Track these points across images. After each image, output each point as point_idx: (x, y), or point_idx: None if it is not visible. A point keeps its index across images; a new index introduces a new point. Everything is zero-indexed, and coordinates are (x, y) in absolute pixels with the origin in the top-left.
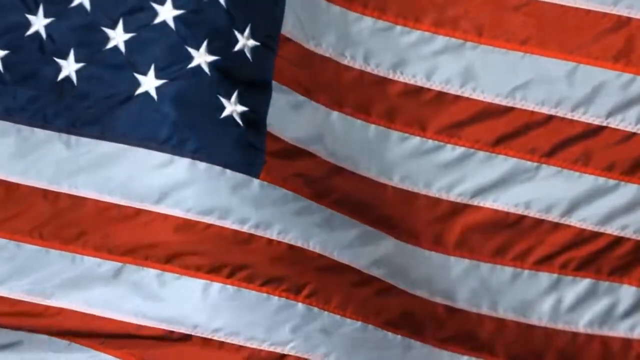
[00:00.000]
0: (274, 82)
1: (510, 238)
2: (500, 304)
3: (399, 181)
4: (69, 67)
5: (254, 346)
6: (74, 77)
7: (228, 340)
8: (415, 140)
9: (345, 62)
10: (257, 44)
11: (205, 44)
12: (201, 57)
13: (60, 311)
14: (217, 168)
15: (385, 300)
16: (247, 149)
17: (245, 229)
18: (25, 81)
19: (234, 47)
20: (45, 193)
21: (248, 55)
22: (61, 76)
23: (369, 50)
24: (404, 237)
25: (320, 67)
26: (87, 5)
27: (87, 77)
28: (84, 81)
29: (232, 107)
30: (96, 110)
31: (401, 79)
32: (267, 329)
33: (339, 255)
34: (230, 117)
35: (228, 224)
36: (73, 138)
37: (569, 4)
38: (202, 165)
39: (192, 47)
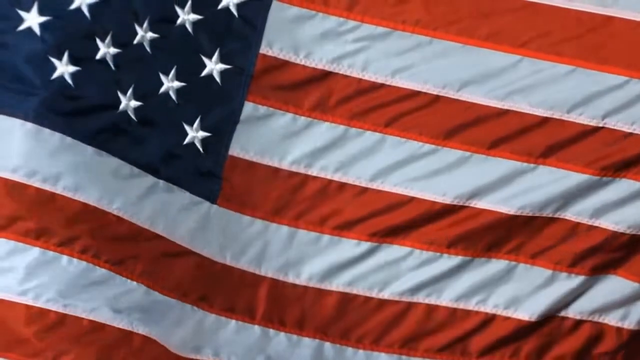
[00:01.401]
0: (247, 103)
1: (505, 234)
2: (491, 299)
3: (393, 185)
4: (64, 68)
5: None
6: (69, 79)
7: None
8: (413, 145)
9: (342, 71)
10: (228, 67)
11: (174, 70)
12: (169, 83)
13: None
14: (182, 191)
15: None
16: (206, 176)
17: (205, 253)
18: (15, 76)
19: (201, 72)
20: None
21: (217, 79)
22: (55, 75)
23: (368, 57)
24: (393, 240)
25: (310, 80)
26: (86, 12)
27: (81, 82)
28: (79, 86)
29: (194, 134)
30: (86, 118)
31: (399, 84)
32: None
33: (294, 277)
34: (191, 144)
35: (194, 247)
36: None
37: (563, 5)
38: (174, 188)
39: (162, 72)
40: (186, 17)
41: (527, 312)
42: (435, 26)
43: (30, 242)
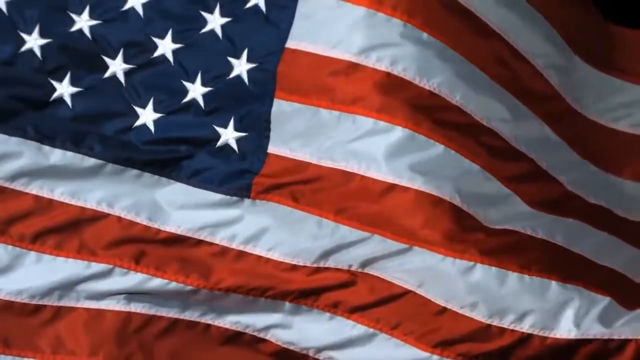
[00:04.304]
0: (275, 100)
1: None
2: (527, 319)
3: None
4: (64, 89)
5: None
6: (68, 100)
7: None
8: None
9: (370, 64)
10: (255, 65)
11: (199, 76)
12: (195, 90)
13: None
14: (209, 193)
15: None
16: (242, 176)
17: (234, 245)
18: (15, 96)
19: (229, 74)
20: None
21: (245, 79)
22: (54, 96)
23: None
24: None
25: (338, 72)
26: (87, 33)
27: (83, 103)
28: (80, 105)
29: (229, 135)
30: (96, 137)
31: (426, 87)
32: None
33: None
34: (226, 146)
35: (217, 240)
36: (71, 154)
37: None
38: (194, 190)
39: (187, 80)
40: (216, 21)
41: (565, 332)
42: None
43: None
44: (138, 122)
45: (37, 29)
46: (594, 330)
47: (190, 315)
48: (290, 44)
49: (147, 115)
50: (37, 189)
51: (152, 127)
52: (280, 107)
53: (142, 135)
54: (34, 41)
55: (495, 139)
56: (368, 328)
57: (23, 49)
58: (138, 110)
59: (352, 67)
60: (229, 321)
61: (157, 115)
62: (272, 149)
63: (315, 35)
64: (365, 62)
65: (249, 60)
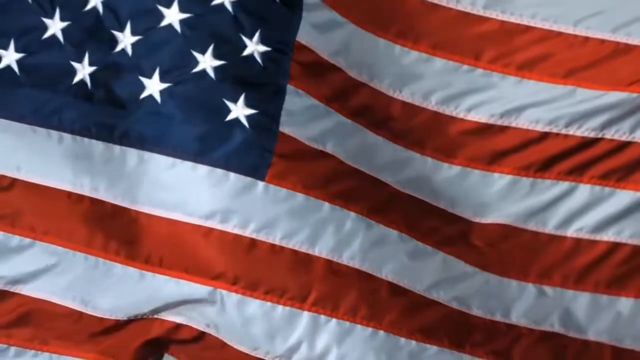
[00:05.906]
0: (288, 86)
1: (511, 251)
2: (513, 313)
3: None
4: (84, 70)
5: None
6: (88, 81)
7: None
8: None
9: (352, 74)
10: (268, 49)
11: (211, 48)
12: (207, 62)
13: None
14: (219, 171)
15: (400, 304)
16: (253, 152)
17: (247, 233)
18: (42, 84)
19: (242, 52)
20: (69, 194)
21: (258, 60)
22: (76, 79)
23: (373, 66)
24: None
25: (332, 77)
26: (100, 8)
27: (98, 81)
28: (95, 85)
29: (239, 110)
30: (108, 114)
31: (399, 97)
32: (270, 337)
33: (348, 259)
34: (235, 120)
35: (230, 227)
36: (86, 140)
37: (567, 31)
38: (203, 169)
39: (197, 51)
40: None
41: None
42: (434, 45)
43: None
44: (144, 94)
45: (57, 13)
46: None
47: (215, 333)
48: (300, 38)
49: (153, 86)
50: (90, 188)
51: (158, 98)
52: (293, 94)
53: (149, 107)
54: (55, 26)
55: None
56: (385, 333)
57: (46, 35)
58: (144, 80)
59: (351, 80)
60: (249, 346)
61: (164, 85)
62: (284, 129)
63: (318, 41)
64: (369, 83)
65: (262, 42)
